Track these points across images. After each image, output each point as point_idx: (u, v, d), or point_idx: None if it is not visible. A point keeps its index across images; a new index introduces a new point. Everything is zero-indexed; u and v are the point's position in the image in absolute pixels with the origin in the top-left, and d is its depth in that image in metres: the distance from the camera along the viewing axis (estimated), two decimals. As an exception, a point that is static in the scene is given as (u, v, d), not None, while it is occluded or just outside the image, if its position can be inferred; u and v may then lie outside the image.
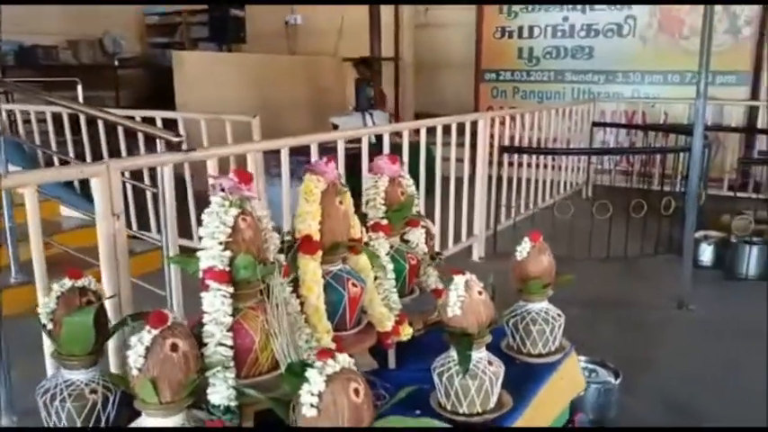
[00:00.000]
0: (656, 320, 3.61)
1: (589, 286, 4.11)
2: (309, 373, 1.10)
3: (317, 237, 1.60)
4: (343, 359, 1.14)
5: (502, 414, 1.60)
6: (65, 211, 4.49)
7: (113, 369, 1.95)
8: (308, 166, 1.63)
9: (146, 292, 2.91)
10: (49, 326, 1.45)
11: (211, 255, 1.35)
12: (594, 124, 6.91)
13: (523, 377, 1.81)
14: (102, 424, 1.47)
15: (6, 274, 3.59)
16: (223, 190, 1.38)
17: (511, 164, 5.25)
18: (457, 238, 4.53)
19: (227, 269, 1.36)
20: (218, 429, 1.31)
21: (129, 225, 4.41)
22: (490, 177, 4.82)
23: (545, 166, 5.98)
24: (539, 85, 7.90)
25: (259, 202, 1.46)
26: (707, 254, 4.53)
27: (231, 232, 1.36)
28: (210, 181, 1.39)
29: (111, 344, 1.86)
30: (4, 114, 5.12)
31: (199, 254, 1.36)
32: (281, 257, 1.51)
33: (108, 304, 2.04)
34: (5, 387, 2.54)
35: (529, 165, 5.60)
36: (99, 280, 1.59)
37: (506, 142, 5.21)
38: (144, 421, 1.27)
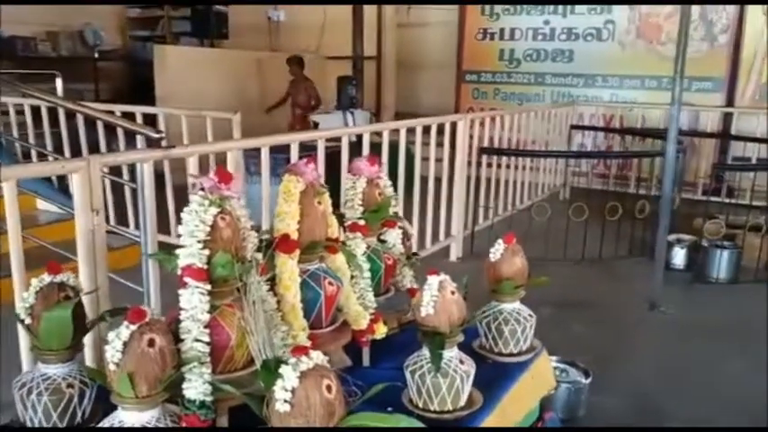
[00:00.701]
0: (628, 321, 3.69)
1: (563, 287, 4.18)
2: (283, 369, 1.13)
3: (294, 236, 1.63)
4: (317, 356, 1.17)
5: (472, 412, 1.65)
6: (41, 204, 4.46)
7: (90, 363, 1.96)
8: (288, 166, 1.66)
9: (123, 288, 2.91)
10: (28, 320, 1.46)
11: (190, 252, 1.37)
12: (573, 127, 7.00)
13: (494, 376, 1.85)
14: (78, 418, 1.49)
15: (-19, 267, 3.57)
16: (203, 189, 1.41)
17: (489, 165, 5.31)
18: (435, 238, 4.58)
19: (206, 267, 1.38)
20: (199, 430, 1.34)
21: (107, 220, 4.40)
22: (469, 178, 4.87)
23: (523, 168, 6.06)
24: (519, 87, 7.98)
25: (238, 201, 1.48)
26: (679, 257, 4.63)
27: (210, 231, 1.39)
28: (191, 180, 1.41)
29: (88, 339, 1.87)
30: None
31: (178, 251, 1.39)
32: (259, 256, 1.54)
33: (85, 299, 2.06)
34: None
35: (507, 166, 5.67)
36: (77, 274, 1.60)
37: (486, 143, 5.27)
38: (119, 415, 1.30)
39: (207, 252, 1.38)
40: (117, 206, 4.58)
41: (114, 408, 1.32)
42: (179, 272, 1.38)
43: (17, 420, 1.50)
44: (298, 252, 1.62)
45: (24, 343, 1.80)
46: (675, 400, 2.81)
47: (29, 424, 1.48)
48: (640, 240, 4.79)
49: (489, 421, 1.68)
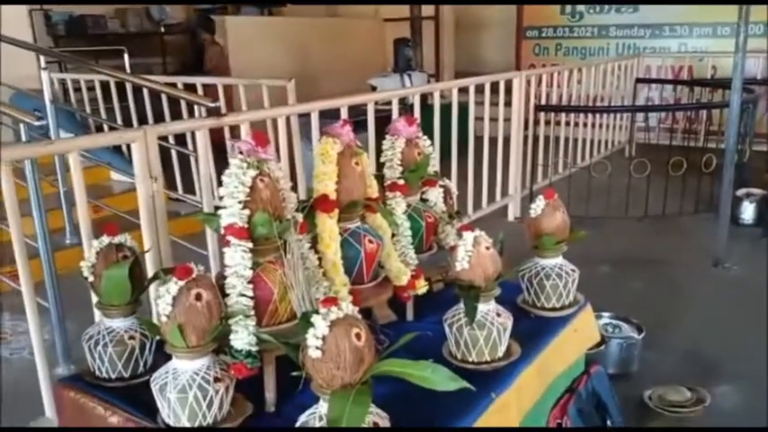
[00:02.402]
0: (689, 278, 3.61)
1: (623, 244, 4.13)
2: (314, 318, 1.20)
3: (333, 196, 1.69)
4: (347, 307, 1.24)
5: (510, 362, 1.69)
6: (114, 175, 4.72)
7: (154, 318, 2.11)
8: (324, 128, 1.72)
9: (190, 252, 3.09)
10: (91, 278, 1.60)
11: (231, 213, 1.46)
12: (638, 80, 6.75)
13: (536, 329, 1.89)
14: (141, 367, 1.63)
15: (62, 235, 3.83)
16: (241, 152, 1.49)
17: (548, 122, 5.21)
18: (491, 199, 4.56)
19: (246, 226, 1.47)
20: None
21: (175, 189, 4.62)
22: (526, 137, 4.81)
23: (584, 125, 5.91)
24: (582, 41, 7.73)
25: (276, 163, 1.55)
26: (748, 212, 4.46)
27: (249, 192, 1.47)
28: (228, 144, 1.49)
29: (153, 295, 2.01)
30: (56, 83, 5.36)
31: (220, 212, 1.48)
32: (299, 216, 1.61)
33: (149, 262, 2.21)
34: (62, 338, 2.77)
35: (567, 123, 5.54)
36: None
37: (544, 101, 5.17)
38: (174, 363, 1.41)
39: (247, 212, 1.46)
40: (184, 177, 4.77)
41: (170, 357, 1.43)
42: (222, 231, 1.47)
43: (88, 370, 1.65)
44: (336, 211, 1.69)
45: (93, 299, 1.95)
46: (732, 360, 2.76)
47: (97, 373, 1.62)
48: (708, 195, 4.63)
49: (528, 371, 1.72)
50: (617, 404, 2.15)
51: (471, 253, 1.63)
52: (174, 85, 4.33)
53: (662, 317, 3.05)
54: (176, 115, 4.70)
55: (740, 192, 4.43)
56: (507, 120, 4.58)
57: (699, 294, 3.41)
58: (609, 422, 2.09)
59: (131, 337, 1.61)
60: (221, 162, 2.63)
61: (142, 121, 4.99)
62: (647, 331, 2.69)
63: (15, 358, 2.99)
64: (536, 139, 5.03)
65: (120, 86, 4.97)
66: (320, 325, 1.19)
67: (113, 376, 1.62)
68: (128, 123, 5.04)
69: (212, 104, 2.89)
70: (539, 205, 1.96)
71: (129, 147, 2.17)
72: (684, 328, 3.02)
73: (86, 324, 2.00)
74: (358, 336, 1.21)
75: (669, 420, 2.33)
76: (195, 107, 3.59)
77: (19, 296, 2.19)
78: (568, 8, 7.74)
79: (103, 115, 5.21)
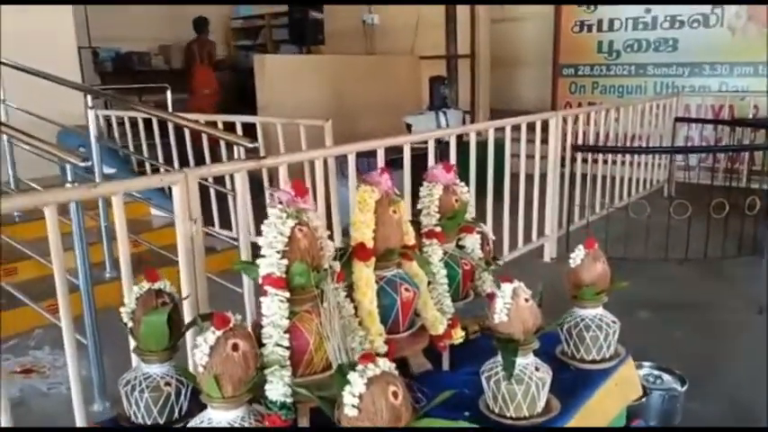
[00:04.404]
0: (732, 326, 3.49)
1: (664, 289, 4.02)
2: (351, 376, 1.19)
3: (370, 244, 1.69)
4: (383, 363, 1.22)
5: (549, 418, 1.64)
6: (154, 210, 4.80)
7: (190, 362, 2.11)
8: (363, 176, 1.72)
9: (224, 289, 3.11)
10: (130, 324, 1.61)
11: (270, 263, 1.46)
12: (678, 119, 6.66)
13: (576, 383, 1.83)
14: (176, 413, 1.62)
15: (101, 269, 3.90)
16: (281, 202, 1.49)
17: (585, 161, 5.15)
18: (527, 239, 4.51)
19: (284, 276, 1.46)
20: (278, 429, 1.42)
21: (211, 224, 4.67)
22: (562, 175, 4.76)
23: (622, 164, 5.84)
24: (619, 79, 7.68)
25: (315, 212, 1.56)
26: (794, 256, 4.31)
27: (288, 242, 1.47)
28: (268, 193, 1.50)
29: (189, 340, 2.02)
30: (101, 119, 5.52)
31: (258, 261, 1.48)
32: (336, 264, 1.61)
33: (186, 303, 2.23)
34: (98, 374, 2.80)
35: (605, 161, 5.48)
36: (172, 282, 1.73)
37: (581, 140, 5.13)
38: (209, 413, 1.40)
39: (285, 262, 1.47)
40: (221, 211, 4.84)
41: (206, 406, 1.43)
42: (260, 281, 1.47)
43: (124, 415, 1.65)
44: (373, 259, 1.68)
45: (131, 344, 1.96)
46: None
47: (132, 418, 1.63)
48: (751, 239, 4.50)
49: (570, 426, 1.67)
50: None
51: (510, 305, 1.60)
52: (213, 124, 4.42)
53: (705, 367, 2.95)
54: (215, 152, 4.79)
55: (785, 235, 4.30)
56: (544, 157, 4.54)
57: (743, 343, 3.30)
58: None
59: (167, 384, 1.61)
60: (255, 193, 2.66)
61: (182, 156, 5.10)
62: (690, 382, 2.60)
63: (53, 393, 3.03)
64: (572, 178, 4.98)
65: (162, 123, 5.09)
66: (357, 383, 1.17)
67: (149, 422, 1.61)
68: (168, 160, 5.14)
69: (251, 145, 2.93)
70: (578, 255, 1.92)
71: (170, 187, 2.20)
72: (729, 378, 2.91)
73: (122, 360, 2.02)
74: (395, 394, 1.19)
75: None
76: (234, 146, 3.65)
77: (57, 330, 2.22)
78: (605, 46, 7.71)
79: (145, 151, 5.33)
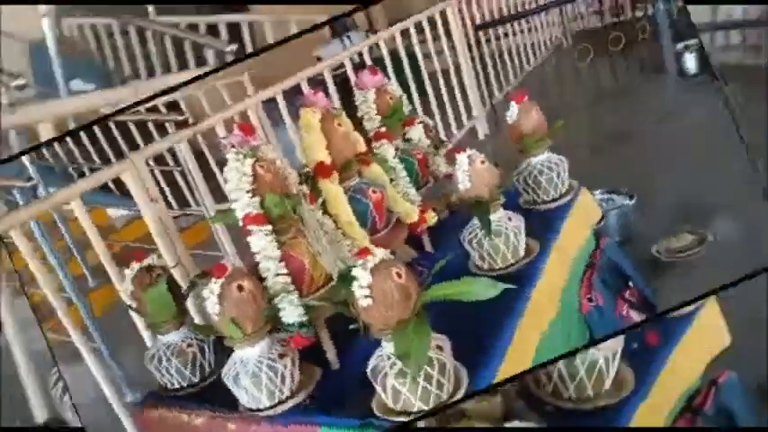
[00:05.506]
0: (652, 135, 3.61)
1: (589, 126, 4.14)
2: (355, 271, 1.20)
3: (328, 161, 1.67)
4: (379, 251, 1.23)
5: (531, 260, 1.71)
6: (111, 211, 4.63)
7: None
8: (298, 103, 1.69)
9: (206, 258, 3.06)
10: (134, 304, 1.58)
11: (243, 204, 1.43)
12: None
13: (544, 223, 1.90)
14: (207, 368, 1.63)
15: (84, 281, 3.78)
16: (233, 146, 1.45)
17: (488, 40, 5.14)
18: (459, 124, 4.55)
19: (261, 212, 1.44)
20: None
21: (169, 207, 4.54)
22: (473, 59, 4.77)
23: (521, 31, 5.83)
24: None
25: (267, 146, 1.52)
26: (691, 62, 4.46)
27: (253, 180, 1.44)
28: (222, 142, 1.46)
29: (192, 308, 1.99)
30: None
31: (232, 206, 1.45)
32: (304, 188, 1.59)
33: (179, 277, 2.19)
34: (120, 369, 2.76)
35: (506, 35, 5.47)
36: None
37: (479, 20, 5.10)
38: (238, 354, 1.41)
39: (257, 199, 1.44)
40: (174, 193, 4.68)
41: (232, 350, 1.43)
42: (240, 224, 1.45)
43: (160, 387, 1.65)
44: (335, 174, 1.67)
45: (141, 324, 1.93)
46: (714, 196, 2.73)
47: (168, 386, 1.63)
48: (649, 58, 4.61)
49: (551, 260, 1.74)
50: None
51: (469, 172, 1.62)
52: (137, 111, 4.21)
53: (646, 180, 3.06)
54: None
55: (678, 46, 4.43)
56: (440, 52, 4.54)
57: (663, 151, 3.41)
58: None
59: (189, 345, 1.61)
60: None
61: (118, 153, 4.87)
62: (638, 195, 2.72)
63: (84, 402, 2.98)
64: (482, 57, 4.98)
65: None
66: (363, 275, 1.19)
67: (185, 384, 1.62)
68: (107, 162, 4.91)
69: (181, 117, 2.83)
70: (513, 111, 1.95)
71: (114, 182, 2.13)
72: (669, 183, 3.03)
73: (134, 355, 1.99)
74: (399, 274, 1.21)
75: (682, 266, 2.37)
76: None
77: (66, 346, 2.16)
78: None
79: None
